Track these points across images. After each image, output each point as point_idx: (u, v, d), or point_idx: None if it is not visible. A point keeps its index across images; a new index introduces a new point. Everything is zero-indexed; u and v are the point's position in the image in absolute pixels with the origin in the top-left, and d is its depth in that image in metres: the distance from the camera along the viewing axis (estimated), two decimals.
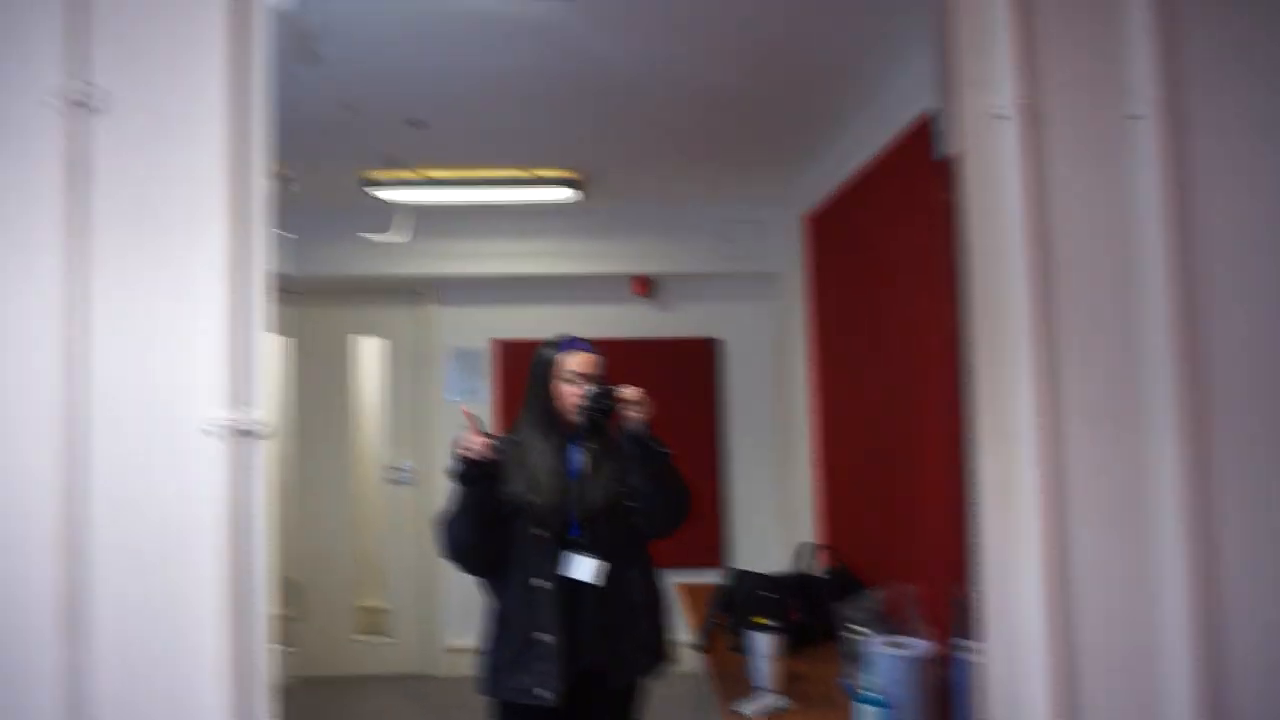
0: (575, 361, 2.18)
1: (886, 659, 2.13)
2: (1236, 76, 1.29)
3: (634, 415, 2.09)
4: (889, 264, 2.98)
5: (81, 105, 1.15)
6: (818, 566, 3.18)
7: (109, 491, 1.10)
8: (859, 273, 3.31)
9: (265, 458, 1.16)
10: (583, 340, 2.26)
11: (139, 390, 1.14)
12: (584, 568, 2.12)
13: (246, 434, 1.15)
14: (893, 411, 2.92)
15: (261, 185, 1.22)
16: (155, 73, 1.18)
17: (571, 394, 2.16)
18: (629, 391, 2.10)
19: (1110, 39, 1.31)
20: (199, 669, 1.07)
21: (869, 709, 1.97)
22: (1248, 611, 1.21)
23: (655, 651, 2.26)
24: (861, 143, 3.23)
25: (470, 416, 2.11)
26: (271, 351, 1.21)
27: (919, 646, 2.21)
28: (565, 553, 2.12)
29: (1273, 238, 1.26)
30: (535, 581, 2.11)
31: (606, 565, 2.12)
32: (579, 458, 2.18)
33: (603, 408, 2.08)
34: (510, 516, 2.14)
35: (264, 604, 1.13)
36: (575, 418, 2.15)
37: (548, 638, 2.09)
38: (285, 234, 1.45)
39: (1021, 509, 1.22)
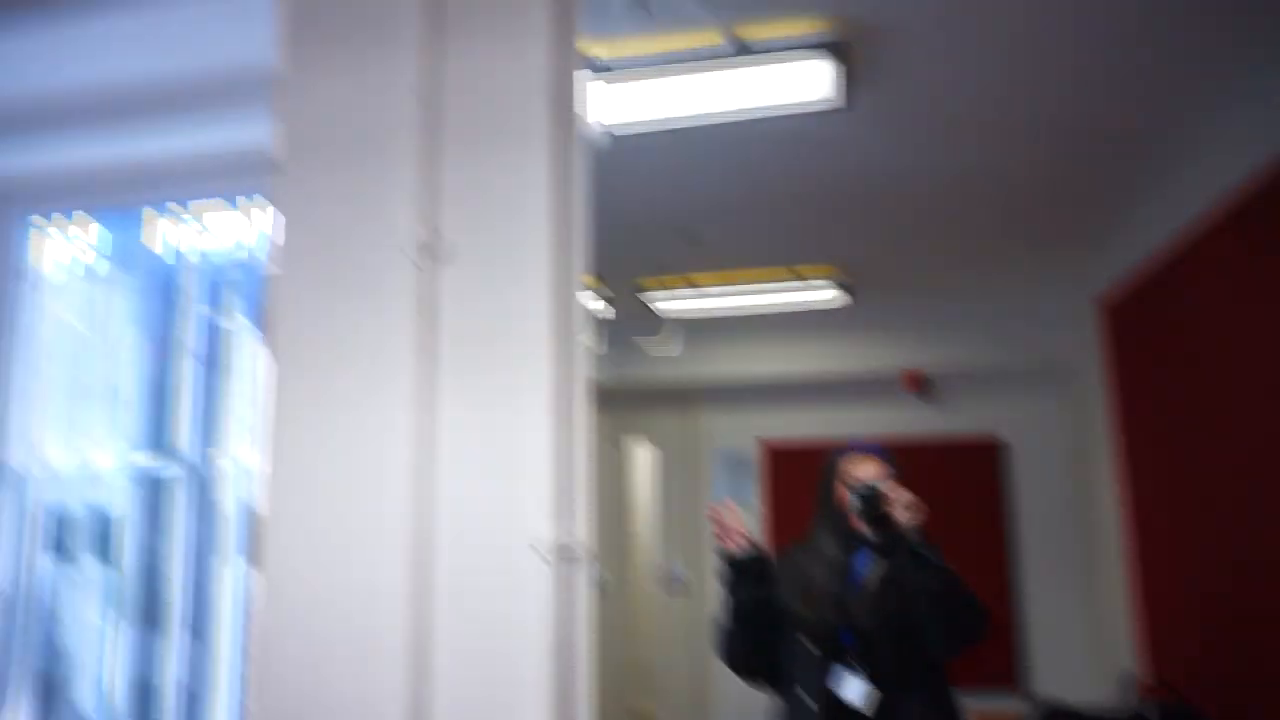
0: (857, 466, 2.08)
1: None
2: None
3: (904, 519, 1.92)
4: (1232, 349, 2.62)
5: (430, 254, 1.29)
6: (1141, 700, 2.75)
7: (451, 607, 1.18)
8: (1184, 363, 2.93)
9: (585, 583, 1.20)
10: (870, 443, 2.16)
11: (477, 509, 1.22)
12: (853, 688, 1.95)
13: (569, 555, 1.19)
14: (1257, 520, 2.51)
15: (581, 317, 1.29)
16: (492, 220, 1.31)
17: (852, 502, 2.05)
18: (897, 492, 1.94)
19: None
20: None
21: None
22: None
23: None
24: (1171, 213, 2.92)
25: (728, 508, 2.06)
26: (588, 469, 1.25)
27: None
28: (836, 669, 1.97)
29: None
30: (802, 695, 2.00)
31: (876, 691, 1.94)
32: (866, 567, 2.04)
33: (870, 509, 1.95)
34: (787, 625, 2.05)
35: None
36: (857, 523, 2.03)
37: None
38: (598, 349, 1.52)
39: None
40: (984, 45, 2.17)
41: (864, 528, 1.98)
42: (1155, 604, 3.26)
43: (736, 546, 2.02)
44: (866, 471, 2.04)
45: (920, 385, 4.63)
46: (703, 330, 4.50)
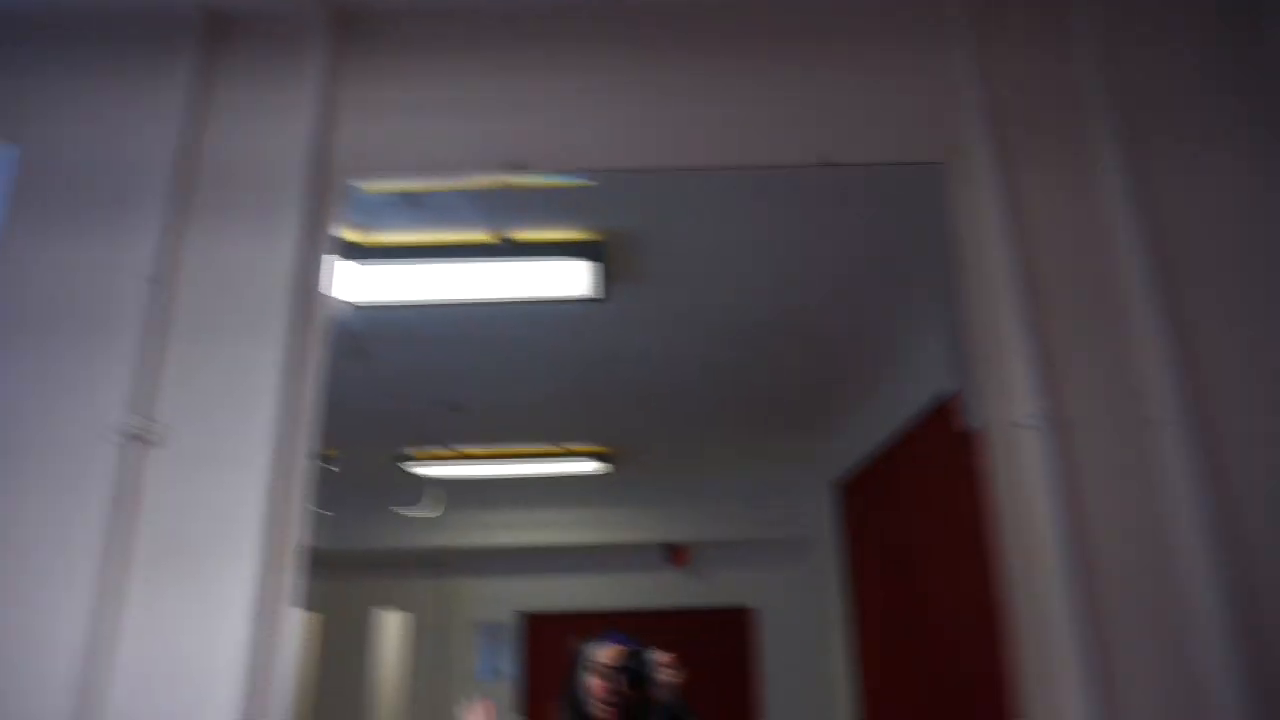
0: (604, 654, 2.12)
1: None
2: (1251, 378, 1.32)
3: (666, 682, 2.06)
4: (922, 535, 2.94)
5: (139, 439, 1.21)
6: None
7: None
8: (891, 542, 3.25)
9: None
10: (621, 634, 2.20)
11: (156, 709, 1.09)
12: None
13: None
14: (938, 684, 2.75)
15: (302, 499, 1.24)
16: (214, 404, 1.25)
17: (597, 687, 2.07)
18: (660, 656, 2.07)
19: (1122, 346, 1.36)
20: None
21: None
22: None
23: None
24: (886, 414, 3.30)
25: (481, 708, 2.02)
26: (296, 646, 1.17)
27: None
28: None
29: None
30: None
31: None
32: None
33: (635, 674, 2.06)
34: None
35: None
36: (600, 713, 2.06)
37: None
38: (323, 512, 1.47)
39: None
40: (729, 253, 2.42)
41: (616, 701, 2.02)
42: None
43: None
44: (610, 657, 2.07)
45: (682, 558, 4.77)
46: (464, 498, 4.42)
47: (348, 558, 4.70)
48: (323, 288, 1.37)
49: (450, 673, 4.78)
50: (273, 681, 1.13)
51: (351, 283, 2.14)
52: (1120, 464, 1.23)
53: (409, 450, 3.77)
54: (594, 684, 2.06)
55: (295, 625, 1.18)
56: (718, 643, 4.71)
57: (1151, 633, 1.14)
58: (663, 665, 2.00)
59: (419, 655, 4.91)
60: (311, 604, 4.84)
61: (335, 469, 3.49)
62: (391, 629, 5.01)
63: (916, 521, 3.02)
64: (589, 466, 3.90)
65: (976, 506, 2.52)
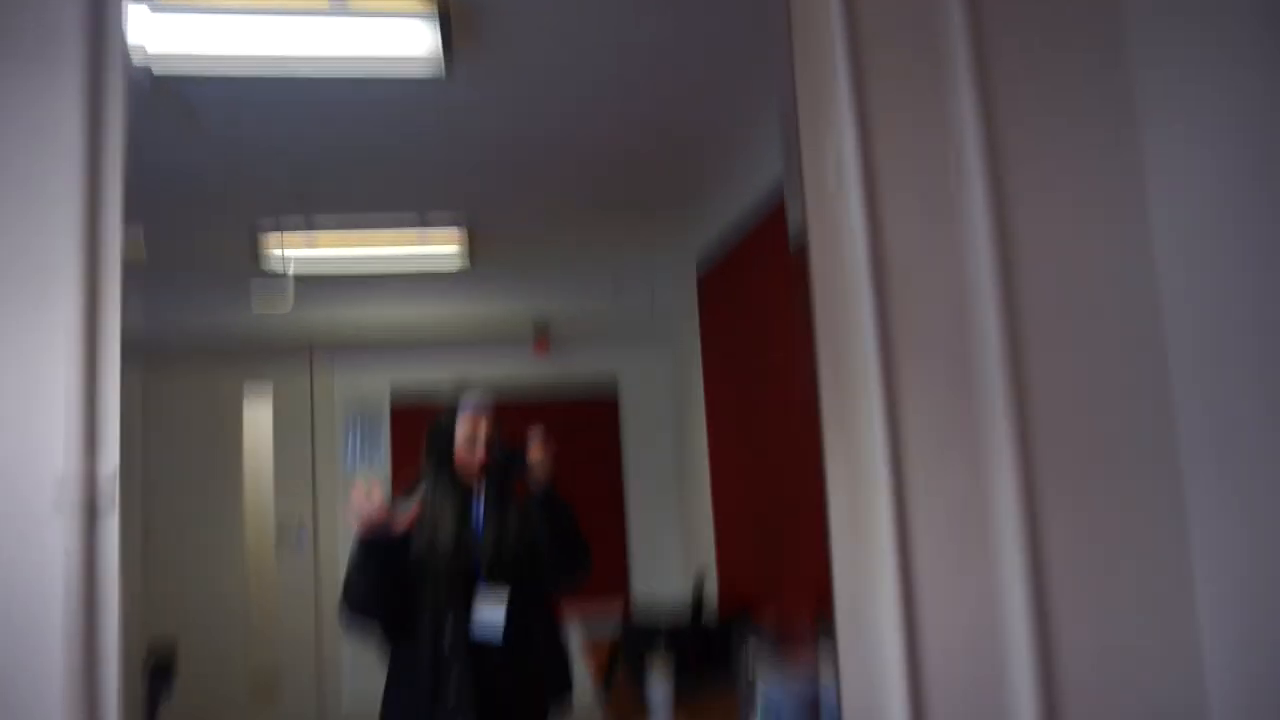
0: (470, 425, 2.22)
1: (779, 700, 2.19)
2: (1054, 118, 1.42)
3: (538, 473, 2.15)
4: (762, 316, 3.11)
5: None
6: (713, 610, 3.24)
7: None
8: (738, 324, 3.43)
9: (117, 524, 1.13)
10: (478, 398, 2.28)
11: None
12: (485, 620, 2.13)
13: (93, 499, 1.12)
14: (773, 452, 3.03)
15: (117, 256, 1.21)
16: (13, 150, 1.18)
17: (469, 456, 2.20)
18: (534, 451, 2.15)
19: (937, 108, 1.42)
20: None
21: None
22: (1081, 636, 1.31)
23: (558, 690, 2.29)
24: (739, 203, 3.38)
25: (366, 489, 2.09)
26: (129, 409, 1.18)
27: (807, 684, 2.27)
28: (473, 607, 2.13)
29: (1094, 272, 1.38)
30: (438, 644, 2.10)
31: (504, 622, 2.12)
32: (480, 514, 2.22)
33: (508, 470, 2.16)
34: (411, 579, 2.13)
35: (115, 685, 1.10)
36: (476, 478, 2.19)
37: (450, 706, 2.07)
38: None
39: (871, 539, 1.29)
40: (579, 18, 2.32)
41: (490, 481, 2.17)
42: (724, 523, 3.84)
43: (370, 530, 2.06)
44: (476, 425, 2.16)
45: (543, 345, 4.90)
46: (326, 285, 4.34)
47: (212, 344, 4.59)
48: (126, 33, 1.27)
49: (323, 458, 4.89)
50: (103, 429, 1.14)
51: (161, 32, 1.97)
52: (928, 214, 1.33)
53: (262, 236, 3.63)
54: (462, 454, 2.17)
55: (117, 380, 1.17)
56: (584, 423, 4.97)
57: (941, 371, 1.28)
58: (534, 459, 2.11)
59: (285, 448, 4.97)
60: (174, 399, 4.78)
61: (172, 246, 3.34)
62: (262, 418, 5.02)
63: (764, 320, 3.18)
64: (447, 251, 3.86)
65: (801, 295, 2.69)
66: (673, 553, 4.97)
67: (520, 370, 4.91)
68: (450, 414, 2.24)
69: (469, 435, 2.20)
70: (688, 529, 4.75)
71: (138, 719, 3.47)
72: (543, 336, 4.86)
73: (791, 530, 2.90)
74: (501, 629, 2.11)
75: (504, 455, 2.17)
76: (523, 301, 4.71)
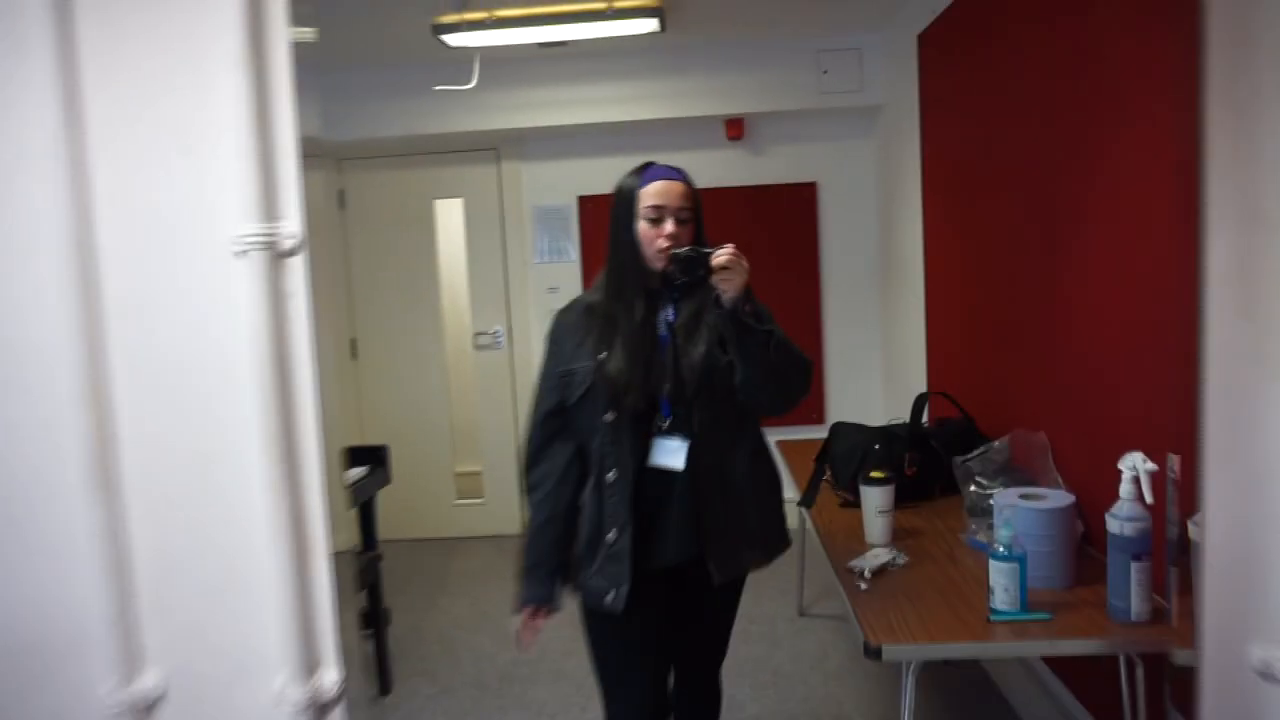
0: (656, 192, 1.76)
1: (1021, 512, 1.92)
2: None
3: (729, 285, 1.66)
4: (1052, 68, 2.58)
5: None
6: (931, 418, 2.94)
7: (131, 326, 0.96)
8: (996, 89, 2.89)
9: (302, 278, 1.00)
10: (668, 167, 1.83)
11: (152, 210, 0.97)
12: (674, 453, 1.81)
13: (279, 250, 0.98)
14: (1032, 246, 2.59)
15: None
16: None
17: (655, 236, 1.75)
18: (721, 256, 1.65)
19: None
20: (245, 520, 0.95)
21: (1004, 565, 1.77)
22: None
23: (766, 544, 1.93)
24: None
25: (528, 617, 1.84)
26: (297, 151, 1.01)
27: (1057, 498, 1.98)
28: (654, 439, 1.81)
29: None
30: (611, 475, 1.80)
31: (694, 449, 1.80)
32: (669, 321, 1.81)
33: (691, 276, 1.69)
34: (586, 396, 1.81)
35: (316, 448, 0.99)
36: (662, 268, 1.74)
37: (616, 536, 1.80)
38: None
39: (1271, 312, 0.93)
40: None
41: (673, 276, 1.71)
42: (945, 328, 3.46)
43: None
44: (664, 196, 1.77)
45: (740, 131, 4.49)
46: (512, 75, 4.11)
47: (396, 145, 4.55)
48: None
49: (514, 256, 4.85)
50: (281, 178, 0.96)
51: None
52: None
53: (445, 20, 3.41)
54: (647, 232, 1.77)
55: (293, 119, 0.97)
56: (780, 220, 4.60)
57: None
58: (723, 266, 1.65)
59: (482, 241, 4.96)
60: (366, 202, 4.84)
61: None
62: (453, 217, 5.02)
63: (1007, 78, 2.64)
64: (641, 25, 3.50)
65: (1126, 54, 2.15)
66: (876, 376, 4.67)
67: (715, 162, 4.56)
68: (633, 179, 1.80)
69: (656, 207, 1.75)
70: (894, 337, 4.39)
71: (342, 492, 3.70)
72: (735, 119, 4.46)
73: (1030, 346, 2.51)
74: (684, 457, 1.79)
75: (689, 258, 1.68)
76: (716, 90, 4.28)
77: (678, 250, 1.69)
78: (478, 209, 4.86)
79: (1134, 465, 1.72)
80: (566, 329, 1.87)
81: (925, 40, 3.47)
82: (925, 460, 2.64)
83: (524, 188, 4.77)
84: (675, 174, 1.80)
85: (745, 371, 1.72)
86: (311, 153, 0.98)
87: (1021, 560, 1.78)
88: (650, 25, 3.54)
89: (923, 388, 3.63)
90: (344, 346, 4.90)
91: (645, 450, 1.81)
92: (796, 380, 1.79)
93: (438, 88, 3.91)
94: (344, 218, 4.87)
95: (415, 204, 4.85)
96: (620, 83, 4.21)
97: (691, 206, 1.79)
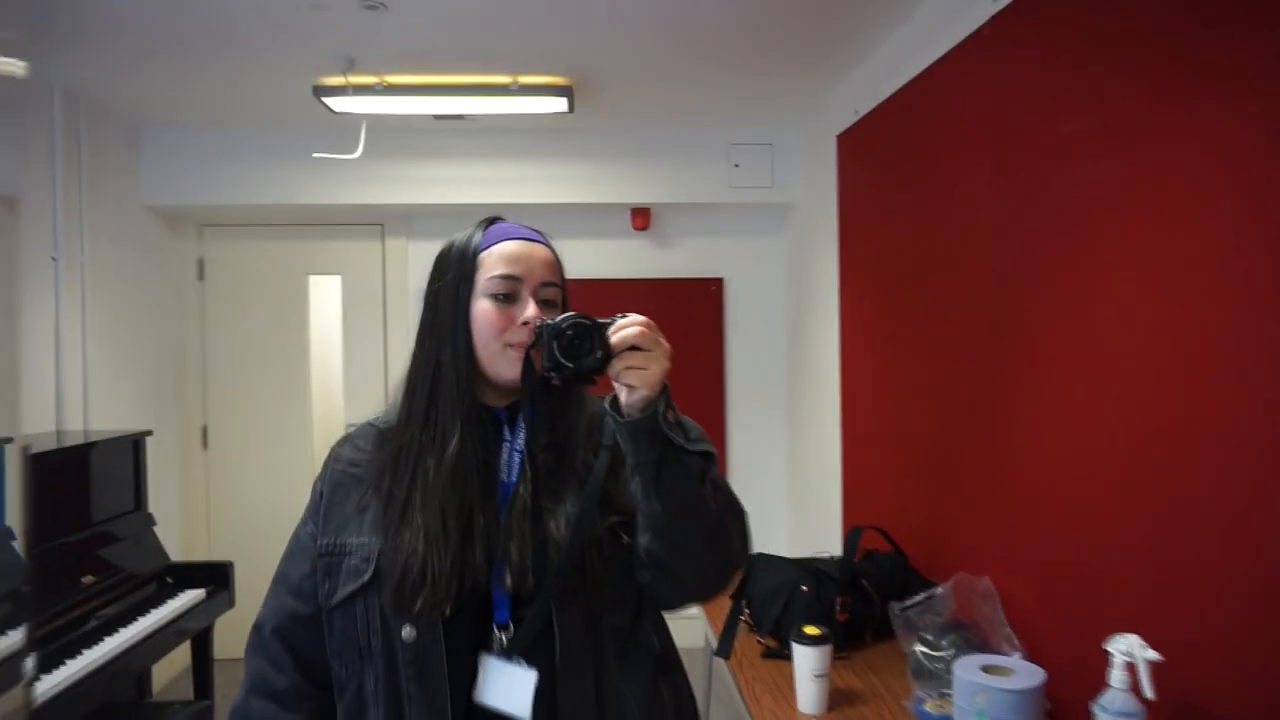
0: (510, 257, 1.14)
1: (994, 695, 1.63)
2: None
3: (640, 378, 1.01)
4: (1006, 175, 2.41)
5: None
6: (857, 551, 2.67)
7: None
8: (930, 196, 2.72)
9: None
10: (523, 226, 1.22)
11: None
12: (516, 689, 1.09)
13: None
14: (972, 366, 2.37)
15: None
16: None
17: (505, 323, 1.12)
18: (628, 329, 1.02)
19: None
20: None
21: None
22: None
23: None
24: (916, 46, 2.64)
25: None
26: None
27: (1025, 672, 1.70)
28: (483, 661, 1.10)
29: None
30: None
31: (553, 682, 1.10)
32: (514, 459, 1.15)
33: (576, 368, 1.03)
34: (361, 595, 1.13)
35: None
36: (513, 377, 1.12)
37: None
38: None
39: None
40: None
41: (542, 381, 1.09)
42: (866, 449, 3.22)
43: None
44: (517, 262, 1.13)
45: (646, 222, 4.26)
46: (404, 145, 3.76)
47: (273, 214, 4.09)
48: None
49: (398, 342, 4.41)
50: None
51: None
52: None
53: (329, 81, 3.06)
54: (488, 316, 1.14)
55: None
56: (685, 318, 4.36)
57: None
58: (632, 342, 1.03)
59: (355, 323, 4.48)
60: (228, 268, 4.34)
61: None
62: (330, 296, 4.54)
63: (931, 172, 2.49)
64: (548, 104, 3.23)
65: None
66: (780, 492, 4.41)
67: (619, 253, 4.30)
68: (472, 239, 1.18)
69: (508, 279, 1.13)
70: (804, 464, 4.16)
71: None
72: (641, 210, 4.22)
73: (971, 477, 2.28)
74: (533, 699, 1.08)
75: (576, 328, 1.03)
76: (624, 177, 4.05)
77: (551, 321, 1.04)
78: (358, 288, 4.43)
79: (1128, 650, 1.45)
80: (343, 475, 1.19)
81: (846, 140, 3.33)
82: (856, 602, 2.35)
83: (410, 267, 4.37)
84: (536, 235, 1.20)
85: (665, 529, 1.04)
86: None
87: None
88: (558, 105, 3.28)
89: (835, 510, 3.38)
90: (193, 434, 4.32)
91: (469, 683, 1.09)
92: (738, 539, 1.11)
93: (317, 155, 3.52)
94: (202, 290, 4.34)
95: (287, 279, 4.37)
96: (521, 163, 3.92)
97: (559, 283, 1.18)
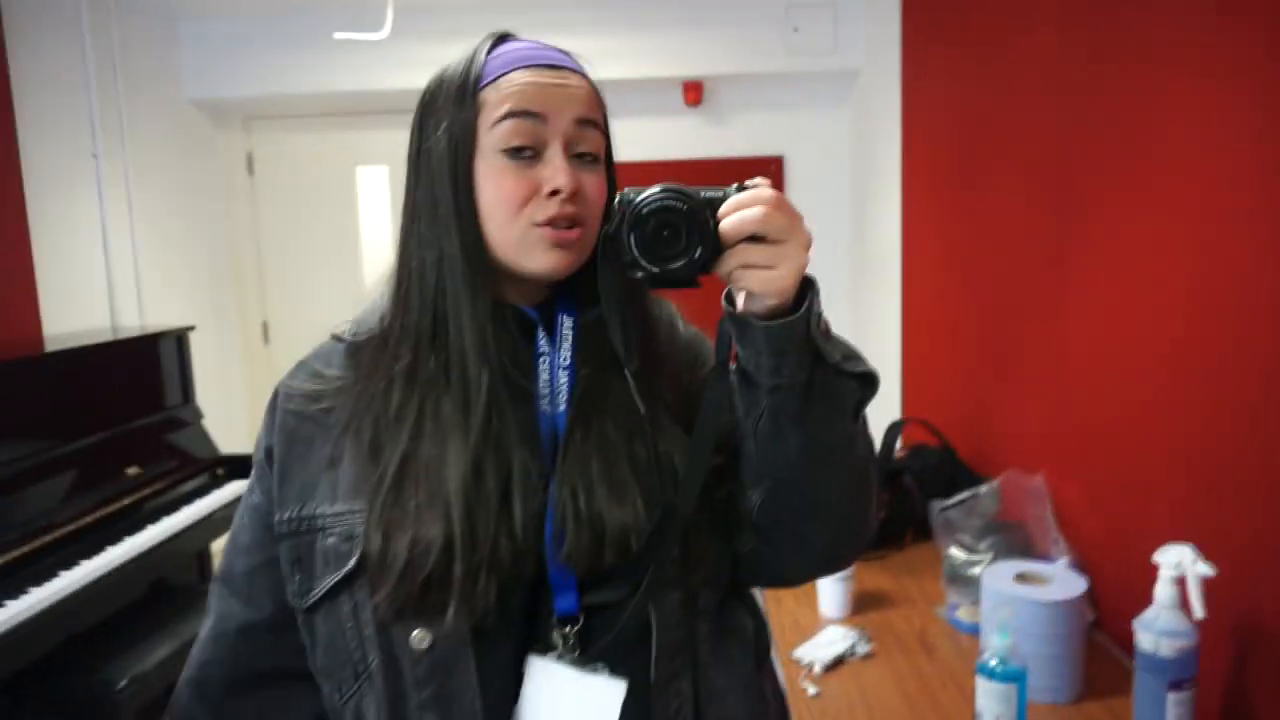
0: (527, 91, 0.81)
1: (1022, 607, 1.46)
2: None
3: (772, 276, 0.71)
4: (1074, 32, 2.09)
5: None
6: (904, 445, 2.48)
7: None
8: (996, 56, 2.40)
9: None
10: (538, 45, 0.88)
11: None
12: (597, 706, 0.80)
13: None
14: (1036, 248, 2.11)
15: None
16: None
17: (528, 189, 0.80)
18: (747, 209, 0.71)
19: None
20: None
21: (998, 686, 1.31)
22: None
23: None
24: None
25: None
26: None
27: (1065, 580, 1.53)
28: (542, 666, 0.81)
29: None
30: None
31: (647, 694, 0.82)
32: (561, 386, 0.84)
33: (668, 265, 0.72)
34: (347, 589, 0.82)
35: None
36: (544, 267, 0.81)
37: None
38: None
39: None
40: None
41: (574, 288, 0.84)
42: (929, 341, 2.98)
43: None
44: (557, 103, 0.82)
45: (698, 96, 3.97)
46: (434, 31, 3.54)
47: (302, 105, 3.96)
48: None
49: None
50: None
51: None
52: None
53: None
54: (508, 178, 0.81)
55: None
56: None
57: None
58: (749, 222, 0.70)
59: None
60: (277, 162, 4.29)
61: None
62: (379, 188, 4.46)
63: (1001, 47, 2.15)
64: None
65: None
66: None
67: (670, 131, 4.04)
68: (473, 65, 0.85)
69: (526, 117, 0.81)
70: (865, 339, 3.92)
71: None
72: (693, 84, 3.93)
73: (1029, 369, 2.04)
74: (611, 703, 0.81)
75: (654, 220, 0.71)
76: (673, 48, 3.75)
77: (632, 195, 0.73)
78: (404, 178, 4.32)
79: (1178, 564, 1.26)
80: (299, 418, 0.87)
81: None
82: (896, 501, 2.18)
83: None
84: (563, 59, 0.87)
85: (801, 478, 0.79)
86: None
87: (1021, 678, 1.32)
88: None
89: (893, 403, 3.17)
90: (253, 330, 4.38)
91: (511, 700, 0.81)
92: (871, 495, 0.87)
93: (339, 35, 3.36)
94: (252, 184, 4.31)
95: (335, 171, 4.30)
96: (565, 37, 3.58)
97: (603, 125, 0.86)
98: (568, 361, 0.84)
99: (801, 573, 0.91)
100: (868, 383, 0.80)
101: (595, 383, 0.84)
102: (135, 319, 3.48)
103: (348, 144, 4.28)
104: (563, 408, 0.83)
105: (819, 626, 1.76)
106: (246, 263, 4.33)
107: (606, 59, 3.55)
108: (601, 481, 0.79)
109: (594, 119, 0.84)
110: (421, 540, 0.76)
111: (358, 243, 4.36)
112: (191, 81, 3.86)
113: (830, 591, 1.82)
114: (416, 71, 3.53)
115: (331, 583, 0.82)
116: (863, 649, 1.66)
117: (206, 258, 4.04)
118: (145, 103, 3.56)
